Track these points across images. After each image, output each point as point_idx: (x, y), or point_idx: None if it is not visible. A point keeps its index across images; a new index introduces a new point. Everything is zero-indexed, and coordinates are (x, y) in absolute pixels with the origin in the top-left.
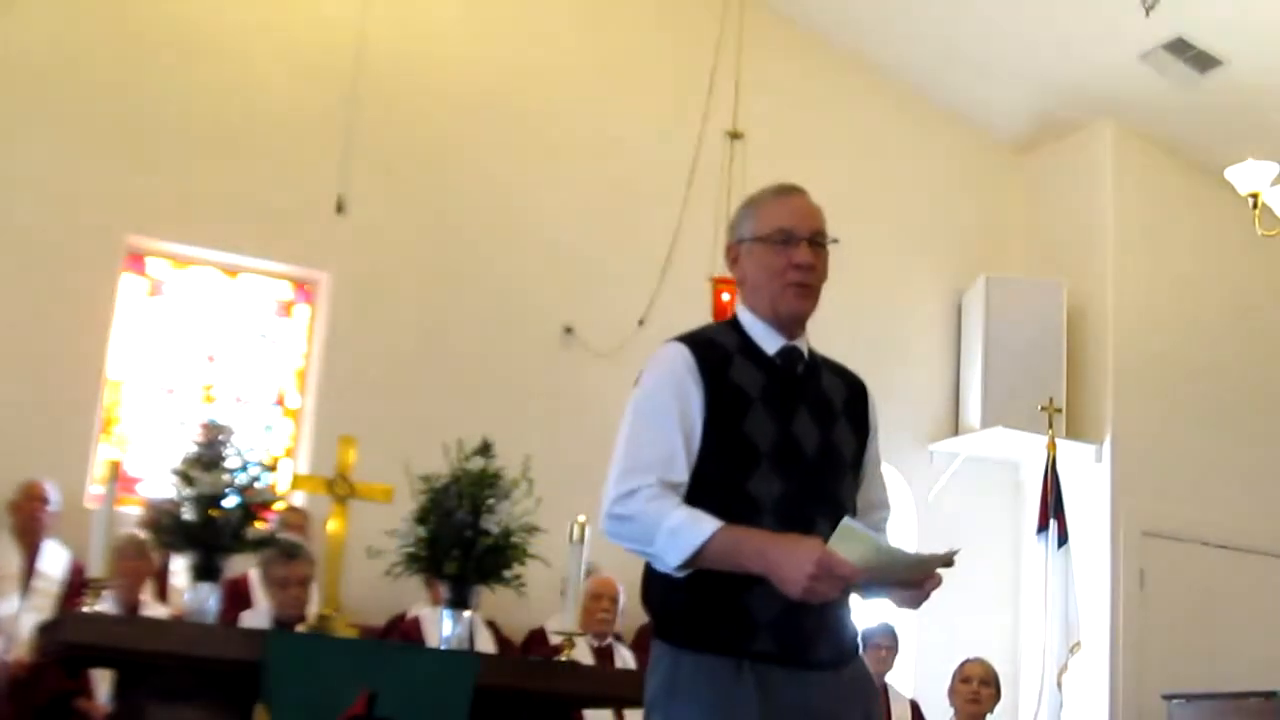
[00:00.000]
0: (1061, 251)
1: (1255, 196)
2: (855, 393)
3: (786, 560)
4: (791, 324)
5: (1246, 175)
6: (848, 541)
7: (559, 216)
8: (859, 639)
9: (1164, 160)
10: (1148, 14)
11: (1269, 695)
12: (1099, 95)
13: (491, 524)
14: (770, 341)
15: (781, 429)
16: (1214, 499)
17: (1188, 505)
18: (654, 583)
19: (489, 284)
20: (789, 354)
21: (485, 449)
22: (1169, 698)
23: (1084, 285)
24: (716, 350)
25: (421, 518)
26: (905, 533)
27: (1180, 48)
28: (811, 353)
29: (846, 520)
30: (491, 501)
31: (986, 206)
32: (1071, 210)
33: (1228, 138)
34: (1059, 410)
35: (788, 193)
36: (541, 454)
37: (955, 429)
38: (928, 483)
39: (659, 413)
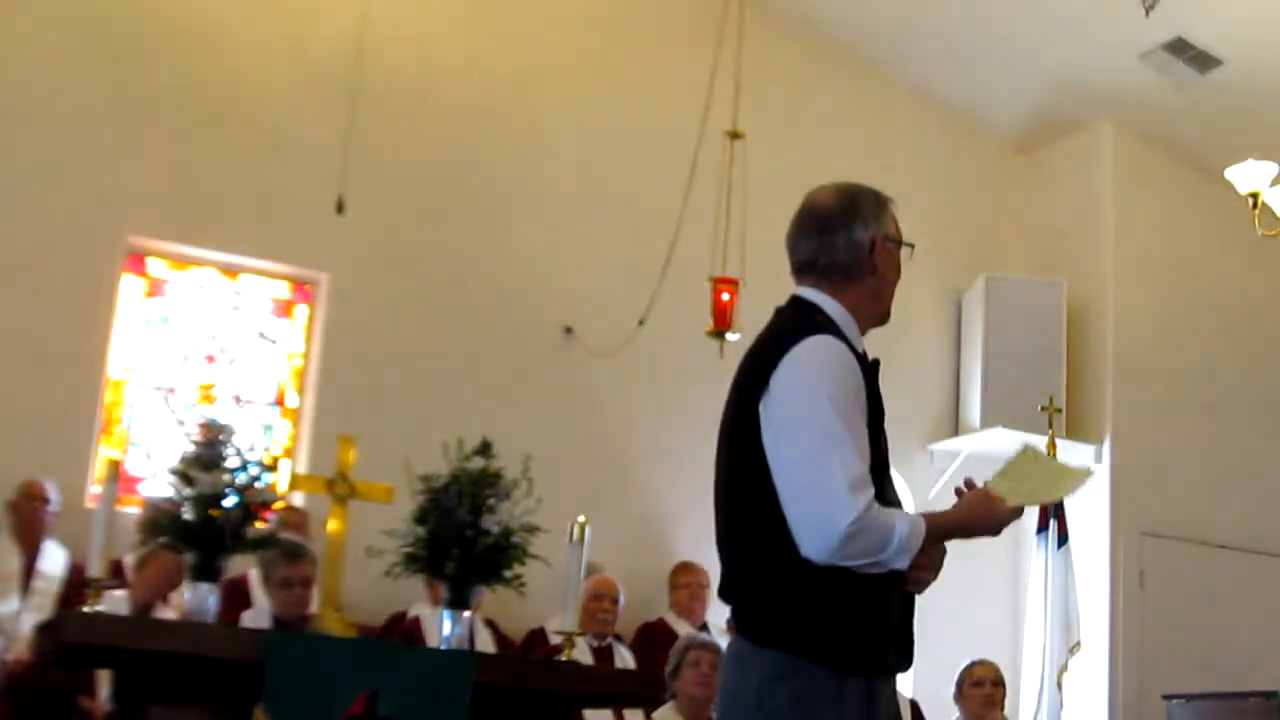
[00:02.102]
0: (1062, 251)
1: (1255, 196)
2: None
3: (988, 520)
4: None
5: (1246, 175)
6: (1024, 466)
7: (559, 216)
8: None
9: (1164, 160)
10: (1148, 14)
11: (1269, 695)
12: (1099, 95)
13: (491, 524)
14: (858, 342)
15: (881, 436)
16: (1214, 498)
17: (1187, 505)
18: (778, 584)
19: (489, 284)
20: (875, 363)
21: (485, 448)
22: (1169, 698)
23: (1084, 285)
24: (857, 355)
25: (421, 517)
26: None
27: (1180, 48)
28: None
29: (1029, 446)
30: (491, 501)
31: (987, 206)
32: (1072, 210)
33: (1227, 137)
34: (1059, 410)
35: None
36: (542, 453)
37: (955, 429)
38: (928, 482)
39: (855, 421)
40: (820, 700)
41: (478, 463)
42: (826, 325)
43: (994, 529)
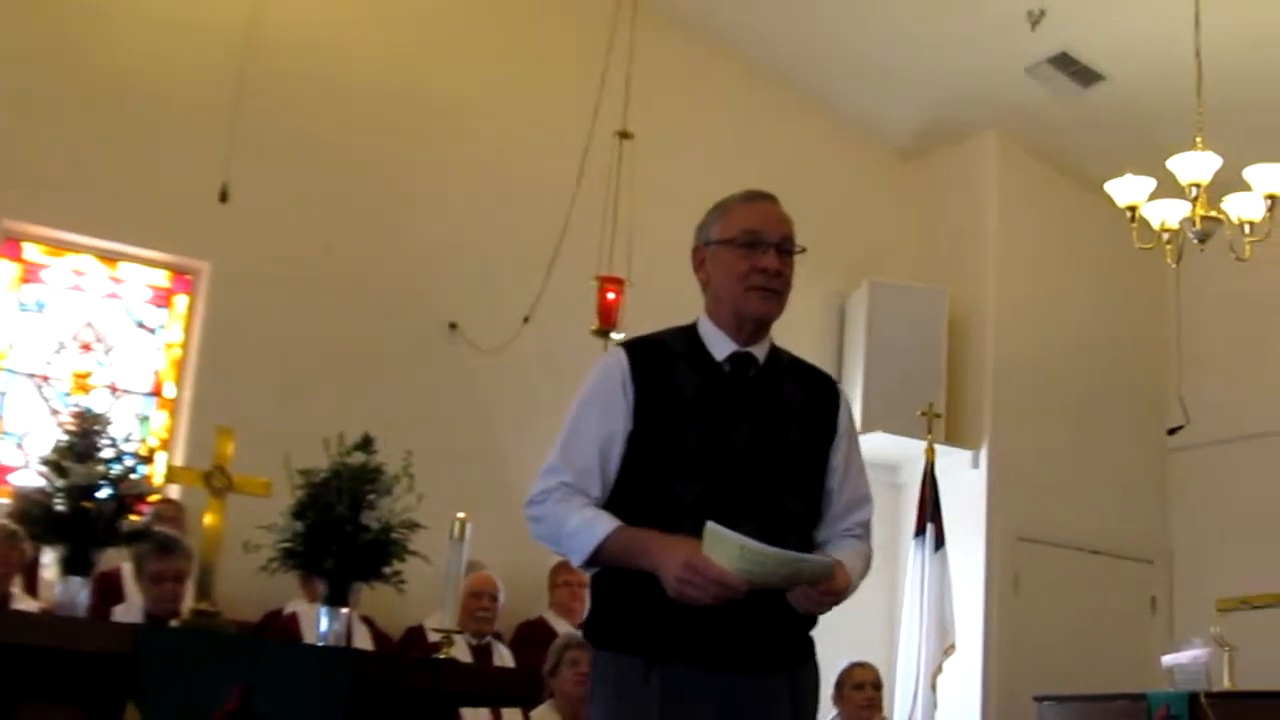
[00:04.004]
0: (945, 259)
1: (1133, 209)
2: (821, 395)
3: (664, 561)
4: (753, 328)
5: (1125, 189)
6: (717, 545)
7: (446, 211)
8: (813, 642)
9: (1046, 171)
10: (1034, 28)
11: (1138, 697)
12: (985, 106)
13: (371, 520)
14: (722, 347)
15: (714, 433)
16: (1086, 504)
17: (1061, 510)
18: (596, 582)
19: (374, 278)
20: (739, 360)
21: (366, 444)
22: (1040, 699)
23: (966, 293)
24: (661, 354)
25: (300, 512)
26: None
27: (1065, 62)
28: (775, 357)
29: (710, 525)
30: (372, 497)
31: (873, 212)
32: (955, 218)
33: (1108, 151)
34: (938, 416)
35: (757, 198)
36: (424, 450)
37: None
38: None
39: (584, 422)
40: (601, 680)
41: (358, 458)
42: (647, 337)
43: (668, 573)
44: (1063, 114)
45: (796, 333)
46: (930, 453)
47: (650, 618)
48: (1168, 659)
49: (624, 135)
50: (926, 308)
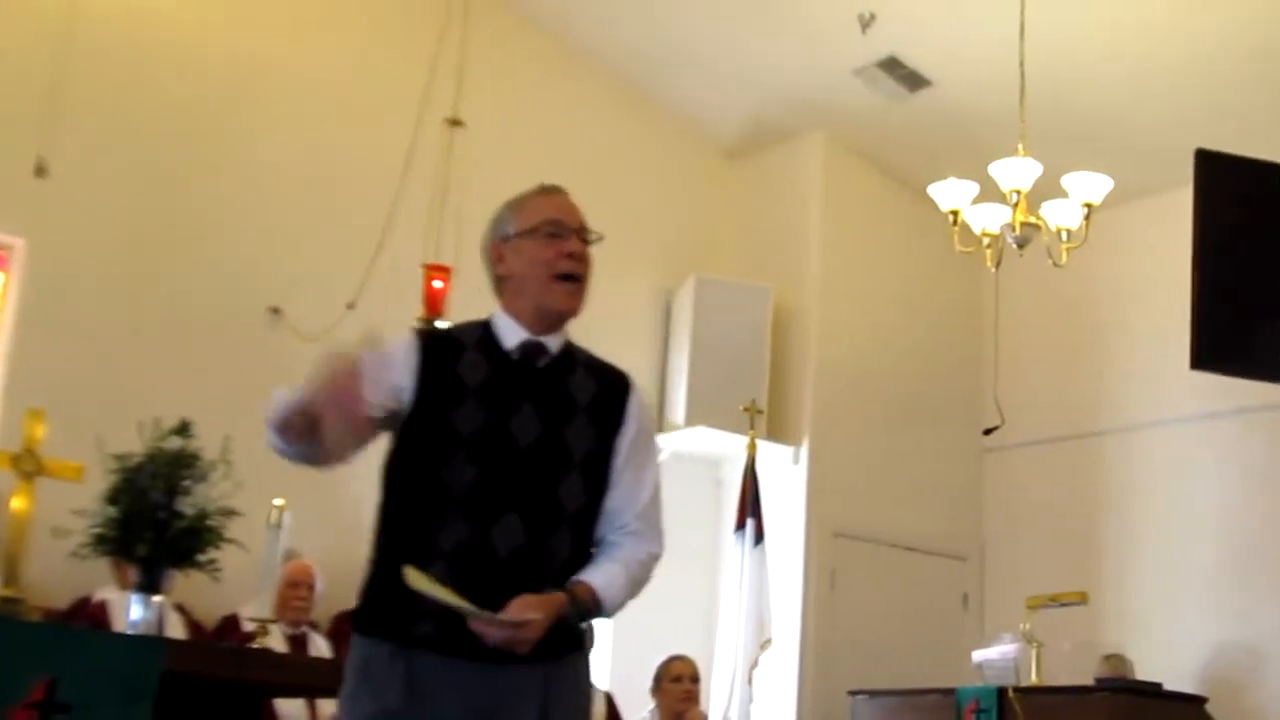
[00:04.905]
0: (770, 257)
1: (955, 214)
2: (611, 391)
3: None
4: (552, 320)
5: (948, 192)
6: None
7: (271, 194)
8: (581, 635)
9: (872, 173)
10: (864, 30)
11: (947, 692)
12: (812, 106)
13: (187, 506)
14: (512, 336)
15: (493, 420)
16: (902, 502)
17: (878, 507)
18: (368, 569)
19: (196, 259)
20: (529, 348)
21: (183, 428)
22: (854, 694)
23: (791, 291)
24: (450, 342)
25: (113, 498)
26: None
27: (892, 66)
28: (569, 351)
29: (406, 570)
30: (188, 483)
31: (700, 208)
32: (781, 217)
33: (933, 155)
34: (760, 412)
35: (553, 191)
36: (242, 436)
37: (660, 426)
38: None
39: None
40: (350, 668)
41: (175, 443)
42: (439, 327)
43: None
44: (890, 117)
45: (624, 328)
46: (752, 448)
47: (400, 604)
48: (978, 655)
49: (454, 123)
50: (751, 305)
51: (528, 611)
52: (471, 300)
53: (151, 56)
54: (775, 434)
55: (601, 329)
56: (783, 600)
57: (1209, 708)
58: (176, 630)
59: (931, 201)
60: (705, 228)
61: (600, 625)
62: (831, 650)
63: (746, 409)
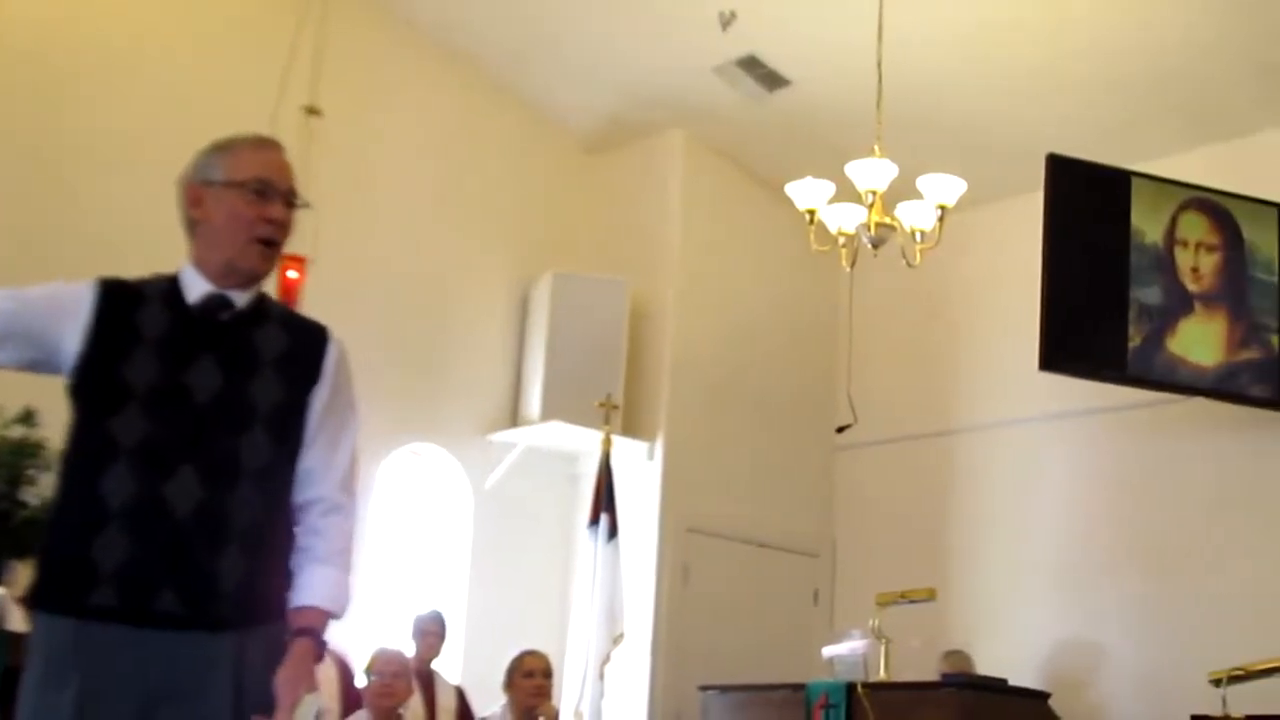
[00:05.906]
0: (629, 253)
1: (812, 213)
2: (303, 345)
3: None
4: (243, 278)
5: (805, 192)
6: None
7: (121, 179)
8: (287, 599)
9: (730, 171)
10: (724, 29)
11: (797, 687)
12: (671, 103)
13: (31, 496)
14: (197, 289)
15: (167, 373)
16: (756, 498)
17: (731, 503)
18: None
19: (47, 246)
20: (212, 301)
21: (28, 417)
22: (705, 689)
23: (647, 287)
24: (129, 293)
25: None
26: (462, 521)
27: (752, 65)
28: (262, 306)
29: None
30: (32, 472)
31: (557, 203)
32: (639, 213)
33: (790, 155)
34: (615, 407)
35: (269, 145)
36: None
37: (515, 420)
38: (485, 472)
39: (35, 294)
40: (31, 649)
41: (18, 431)
42: (125, 279)
43: None
44: (748, 116)
45: (480, 321)
46: (607, 443)
47: (73, 572)
48: (828, 650)
49: (312, 111)
50: (608, 300)
51: (298, 689)
52: (327, 290)
53: (4, 47)
54: (630, 429)
55: (458, 322)
56: (636, 595)
57: (1052, 703)
58: (19, 623)
59: (789, 200)
60: (564, 222)
61: (450, 618)
62: (683, 645)
63: (602, 404)
